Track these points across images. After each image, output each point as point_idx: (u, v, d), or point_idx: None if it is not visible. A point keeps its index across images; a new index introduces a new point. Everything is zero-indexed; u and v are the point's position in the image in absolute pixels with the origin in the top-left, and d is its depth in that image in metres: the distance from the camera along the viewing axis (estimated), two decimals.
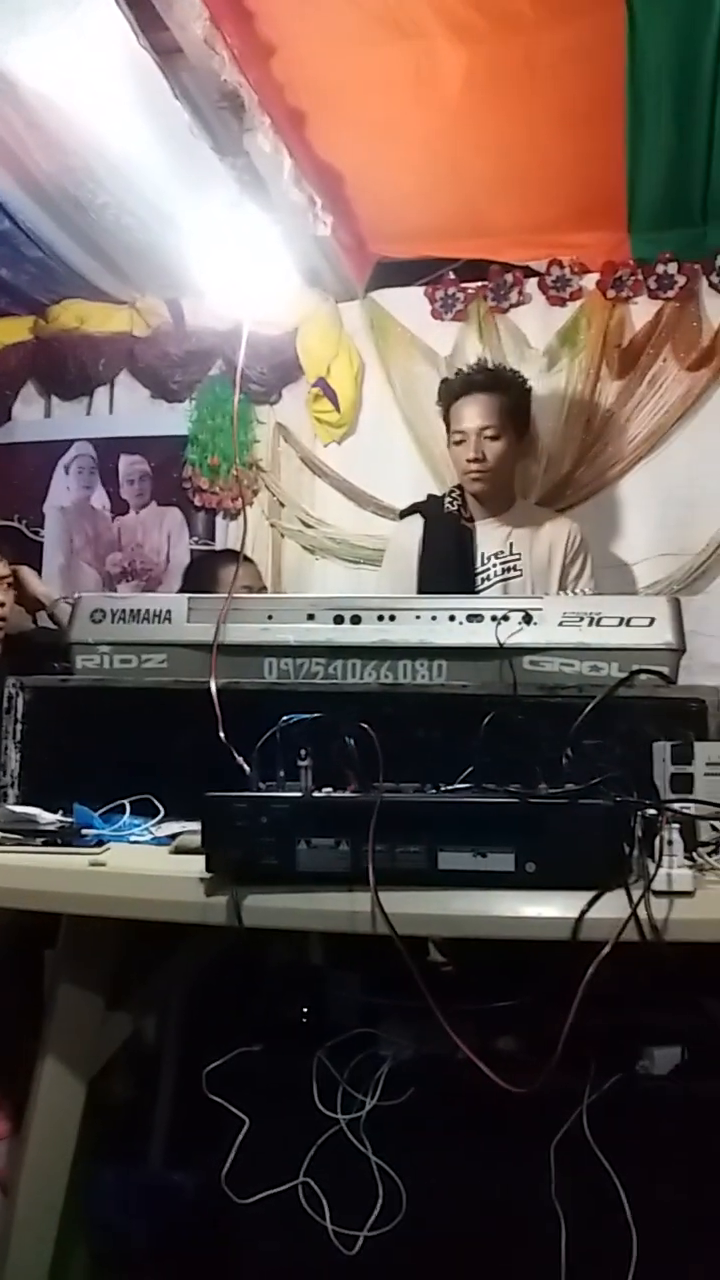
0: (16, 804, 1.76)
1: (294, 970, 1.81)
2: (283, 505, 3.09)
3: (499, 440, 2.62)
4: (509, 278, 3.02)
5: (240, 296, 2.57)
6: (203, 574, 2.72)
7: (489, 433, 2.60)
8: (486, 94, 2.24)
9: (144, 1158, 2.17)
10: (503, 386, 2.65)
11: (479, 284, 3.06)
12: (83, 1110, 1.60)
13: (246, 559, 2.89)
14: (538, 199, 2.67)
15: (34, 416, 3.25)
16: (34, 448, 3.22)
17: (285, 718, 1.53)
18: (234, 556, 2.89)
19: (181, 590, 2.78)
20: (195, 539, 3.11)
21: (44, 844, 1.59)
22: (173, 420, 3.11)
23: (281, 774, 1.52)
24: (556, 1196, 1.44)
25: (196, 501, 3.10)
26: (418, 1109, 1.53)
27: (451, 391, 2.66)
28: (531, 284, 3.03)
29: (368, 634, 1.75)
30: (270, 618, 1.83)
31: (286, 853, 1.33)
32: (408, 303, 3.08)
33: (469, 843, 1.26)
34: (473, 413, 2.60)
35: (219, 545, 3.09)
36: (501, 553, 2.65)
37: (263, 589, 2.79)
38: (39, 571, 3.09)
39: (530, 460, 2.93)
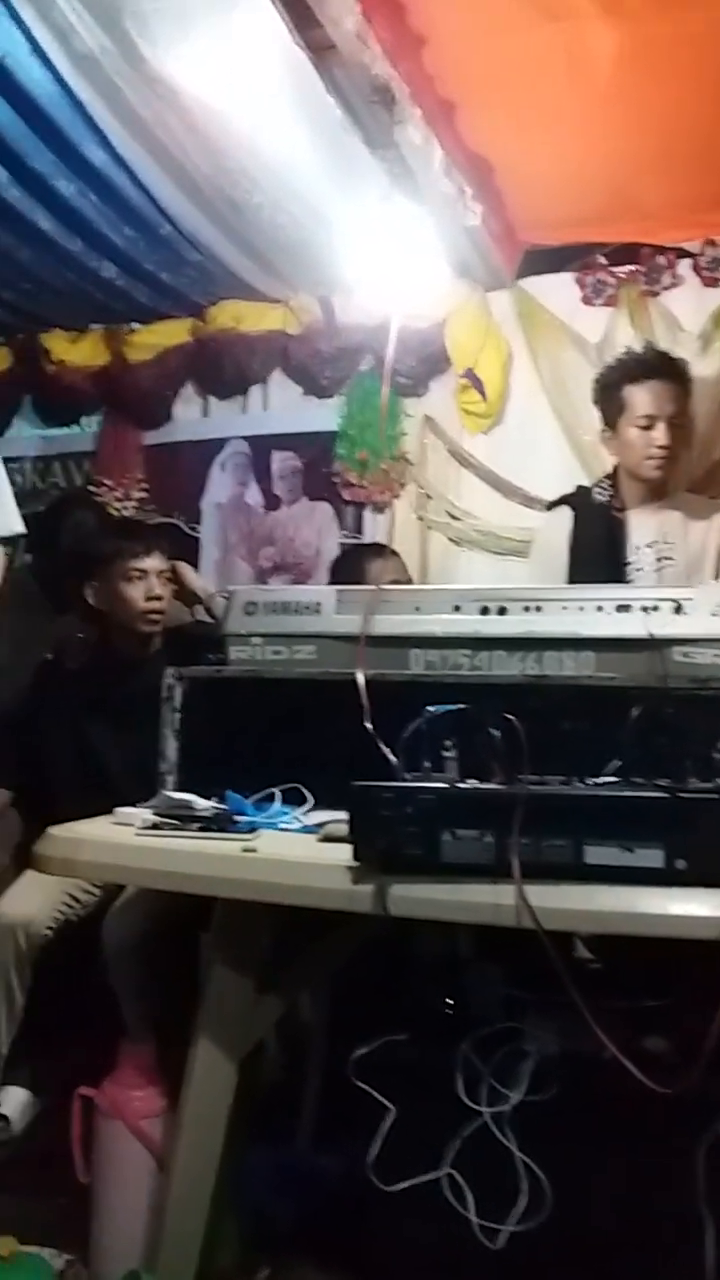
0: (174, 790, 1.82)
1: (438, 960, 1.81)
2: (429, 498, 3.09)
3: (683, 427, 2.57)
4: (661, 260, 2.94)
5: (390, 290, 2.58)
6: (349, 567, 2.74)
7: (675, 419, 2.54)
8: (638, 73, 2.19)
9: (292, 1140, 2.22)
10: (679, 372, 2.58)
11: (630, 268, 2.99)
12: (234, 1090, 1.64)
13: (392, 552, 2.90)
14: (691, 178, 2.59)
15: (192, 416, 3.34)
16: (192, 446, 3.32)
17: (431, 708, 1.54)
18: (380, 549, 2.91)
19: (330, 583, 2.81)
20: (344, 533, 3.14)
21: (199, 829, 1.64)
22: (323, 416, 3.15)
23: (427, 765, 1.52)
24: (704, 1201, 1.40)
25: (345, 496, 3.13)
26: (563, 1106, 1.51)
27: (626, 375, 2.59)
28: (685, 265, 2.95)
29: (514, 625, 1.73)
30: (417, 609, 1.84)
31: (431, 843, 1.34)
32: (557, 290, 3.03)
33: (616, 837, 1.24)
34: (655, 399, 2.52)
35: (367, 538, 3.12)
36: (655, 542, 2.58)
37: (408, 581, 2.80)
38: (195, 566, 3.17)
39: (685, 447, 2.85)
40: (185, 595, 2.74)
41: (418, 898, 1.35)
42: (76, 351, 3.39)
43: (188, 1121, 1.64)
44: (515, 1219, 1.49)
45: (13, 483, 3.45)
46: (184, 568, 2.72)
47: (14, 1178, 2.25)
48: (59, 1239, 1.92)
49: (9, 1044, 2.26)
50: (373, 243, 2.51)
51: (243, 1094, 1.67)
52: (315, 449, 3.18)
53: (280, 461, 3.23)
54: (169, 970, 2.24)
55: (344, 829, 1.43)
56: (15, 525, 1.75)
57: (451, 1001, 1.73)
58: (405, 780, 1.48)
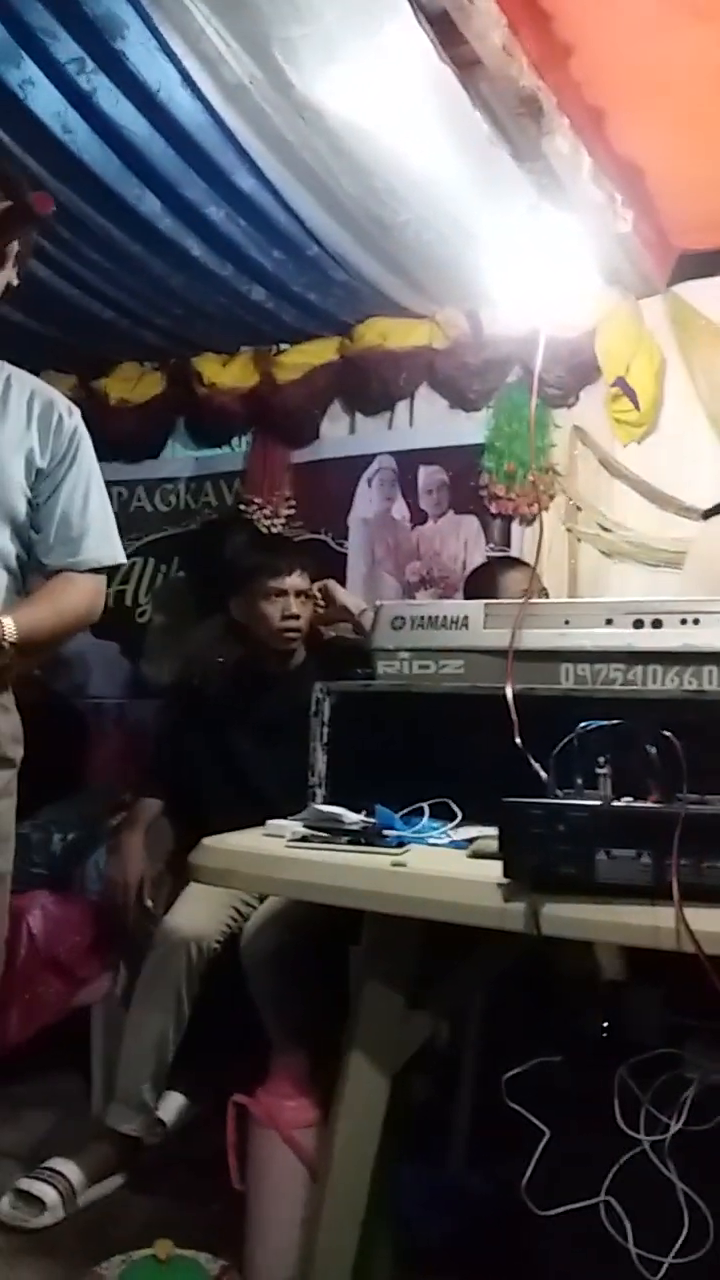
0: (324, 804, 1.84)
1: (593, 982, 1.77)
2: (579, 509, 3.04)
3: None
4: None
5: (538, 301, 2.56)
6: (481, 581, 2.72)
7: None
8: None
9: (444, 1159, 2.20)
10: None
11: None
12: (385, 1106, 1.64)
13: (522, 563, 2.87)
14: None
15: (339, 433, 3.38)
16: (339, 463, 3.35)
17: (583, 724, 1.51)
18: (514, 562, 2.88)
19: (464, 598, 2.80)
20: (491, 545, 3.12)
21: (348, 843, 1.65)
22: (470, 429, 3.14)
23: (580, 782, 1.49)
24: None
25: (493, 509, 3.11)
26: None
27: None
28: None
29: (669, 638, 1.69)
30: (567, 623, 1.81)
31: (585, 862, 1.31)
32: (713, 295, 2.94)
33: None
34: None
35: (514, 551, 3.09)
36: None
37: (544, 594, 2.76)
38: (342, 582, 3.20)
39: None
40: (335, 612, 2.76)
41: (571, 918, 1.32)
42: (227, 374, 3.46)
43: (340, 1134, 1.64)
44: (676, 1251, 1.44)
45: (166, 503, 3.62)
46: (333, 585, 2.75)
47: (170, 1182, 2.30)
48: (214, 1244, 1.95)
49: (174, 1054, 2.32)
50: (520, 254, 2.49)
51: (394, 1110, 1.66)
52: (462, 462, 3.17)
53: (427, 476, 3.23)
54: (310, 982, 2.26)
55: (494, 845, 1.41)
56: (119, 555, 1.81)
57: (607, 1024, 1.69)
58: (558, 797, 1.46)
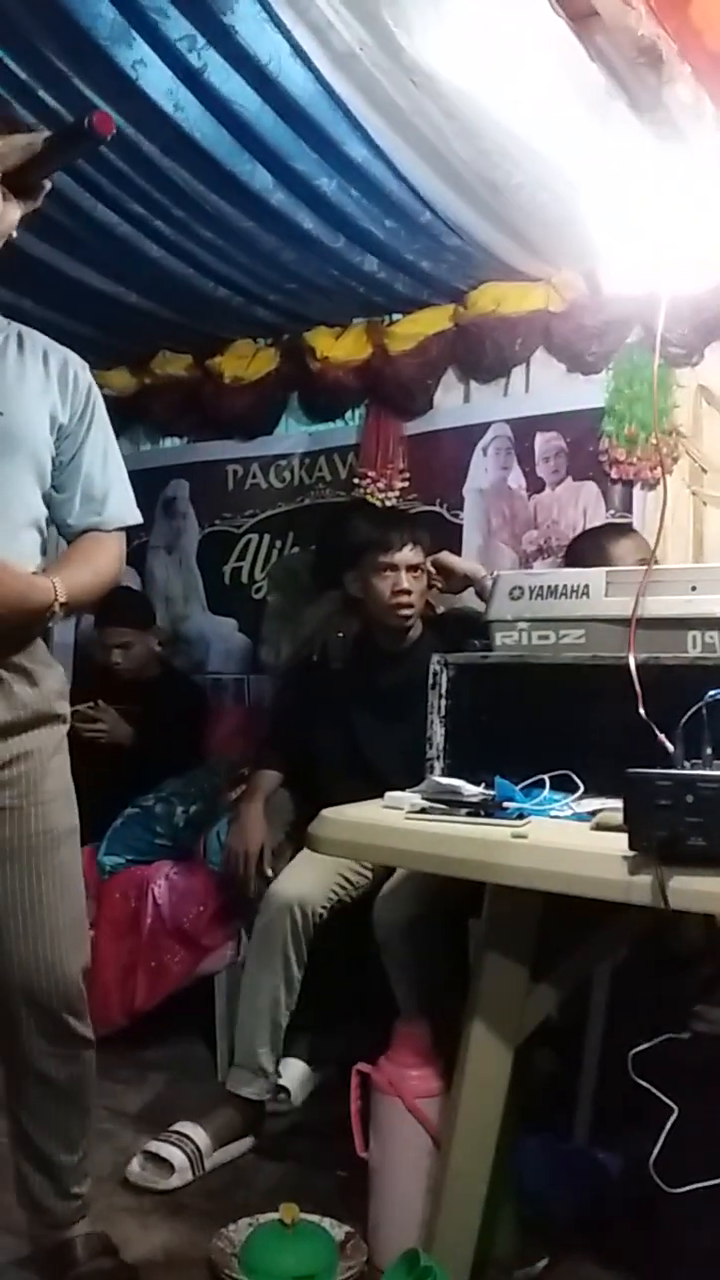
0: (442, 776, 1.83)
1: None
2: (705, 471, 2.95)
3: None
4: None
5: (659, 258, 2.48)
6: (586, 549, 2.64)
7: None
8: None
9: (569, 1133, 2.19)
10: None
11: None
12: (509, 1078, 1.63)
13: (631, 529, 2.79)
14: None
15: (454, 403, 3.33)
16: (454, 433, 3.31)
17: (712, 693, 1.47)
18: (623, 528, 2.80)
19: (565, 566, 2.73)
20: (612, 512, 3.04)
21: (468, 814, 1.64)
22: (589, 393, 3.06)
23: (709, 752, 1.46)
24: None
25: (613, 474, 3.03)
26: None
27: None
28: None
29: None
30: (694, 589, 1.76)
31: (715, 834, 1.28)
32: None
33: None
34: None
35: (635, 517, 3.01)
36: None
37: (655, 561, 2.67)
38: (458, 554, 3.17)
39: None
40: (456, 582, 2.73)
41: (701, 891, 1.29)
42: (340, 347, 3.45)
43: (463, 1105, 1.64)
44: None
45: (280, 480, 3.64)
46: (446, 556, 2.71)
47: (294, 1148, 2.34)
48: (339, 1210, 1.98)
49: (288, 1017, 2.35)
50: (640, 210, 2.41)
51: (518, 1082, 1.66)
52: (580, 428, 3.10)
53: (544, 443, 3.17)
54: (439, 953, 2.26)
55: (618, 818, 1.39)
56: (138, 515, 1.79)
57: None
58: (685, 768, 1.42)
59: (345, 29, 2.06)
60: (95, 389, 1.71)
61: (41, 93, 2.25)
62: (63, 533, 1.71)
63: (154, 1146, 2.22)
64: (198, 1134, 2.25)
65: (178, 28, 2.06)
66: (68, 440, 1.66)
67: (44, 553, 1.69)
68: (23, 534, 1.60)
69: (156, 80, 2.19)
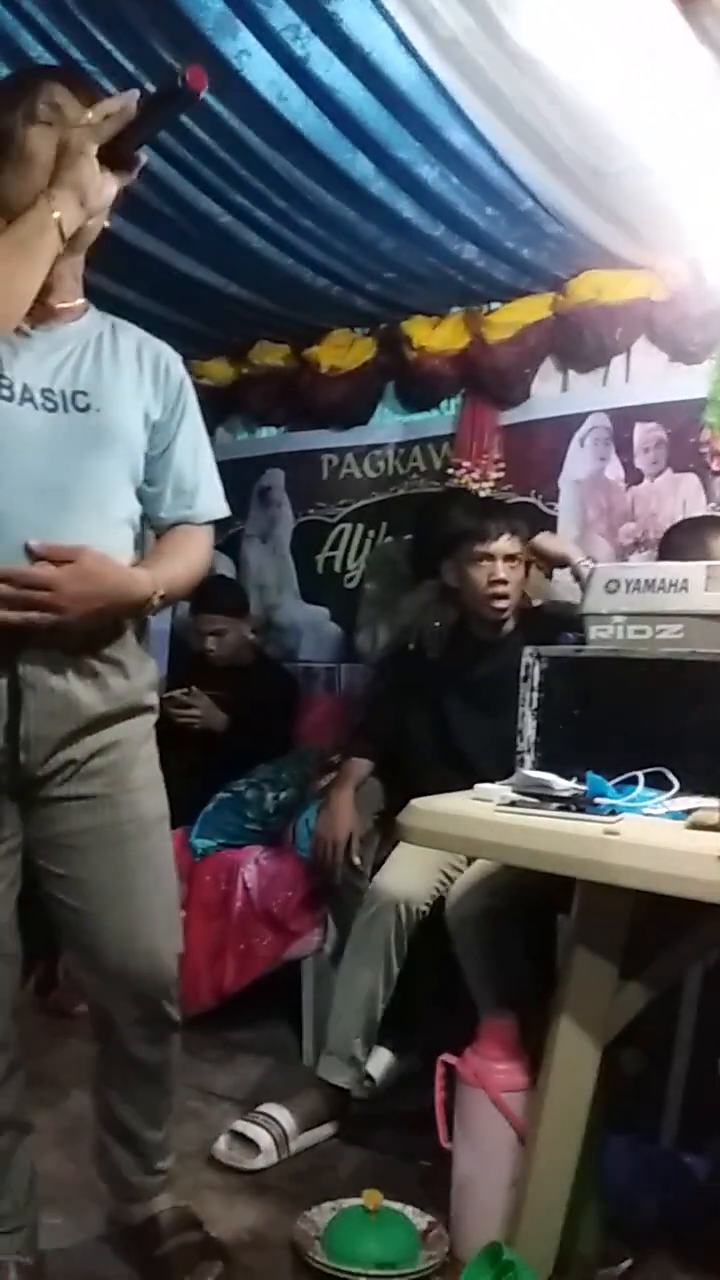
0: (533, 770, 1.82)
1: None
2: None
3: None
4: None
5: None
6: (682, 542, 2.57)
7: None
8: None
9: (656, 1134, 2.16)
10: None
11: None
12: (596, 1076, 1.62)
13: None
14: None
15: (551, 392, 3.29)
16: (551, 423, 3.27)
17: None
18: (716, 521, 2.73)
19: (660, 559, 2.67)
20: (713, 505, 2.97)
21: (559, 809, 1.63)
22: (690, 384, 2.99)
23: None
24: None
25: (715, 465, 2.96)
26: None
27: None
28: None
29: None
30: None
31: None
32: None
33: None
34: None
35: None
36: None
37: None
38: None
39: None
40: (550, 562, 2.70)
41: None
42: (437, 336, 3.43)
43: (549, 1101, 1.63)
44: None
45: (375, 469, 3.64)
46: (541, 539, 2.68)
47: (378, 1136, 2.35)
48: (421, 1199, 1.98)
49: (383, 1011, 2.36)
50: None
51: (605, 1081, 1.64)
52: (681, 418, 3.03)
53: (643, 433, 3.11)
54: (515, 947, 2.25)
55: (714, 817, 1.36)
56: (226, 508, 1.78)
57: None
58: None
59: (449, 15, 2.04)
60: (187, 381, 1.71)
61: (148, 85, 2.26)
62: (153, 525, 1.72)
63: (241, 1126, 2.25)
64: (284, 1117, 2.27)
65: (282, 17, 2.07)
66: (160, 434, 1.66)
67: (137, 547, 1.71)
68: (120, 529, 1.61)
69: (261, 70, 2.20)
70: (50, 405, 1.53)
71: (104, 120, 1.45)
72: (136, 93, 1.49)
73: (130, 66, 2.23)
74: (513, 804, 1.67)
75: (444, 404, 3.55)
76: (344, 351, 3.62)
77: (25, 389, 1.51)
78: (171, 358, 1.70)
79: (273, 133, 2.39)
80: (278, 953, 2.78)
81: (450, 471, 3.43)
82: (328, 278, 3.16)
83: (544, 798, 1.67)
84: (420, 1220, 1.91)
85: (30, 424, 1.51)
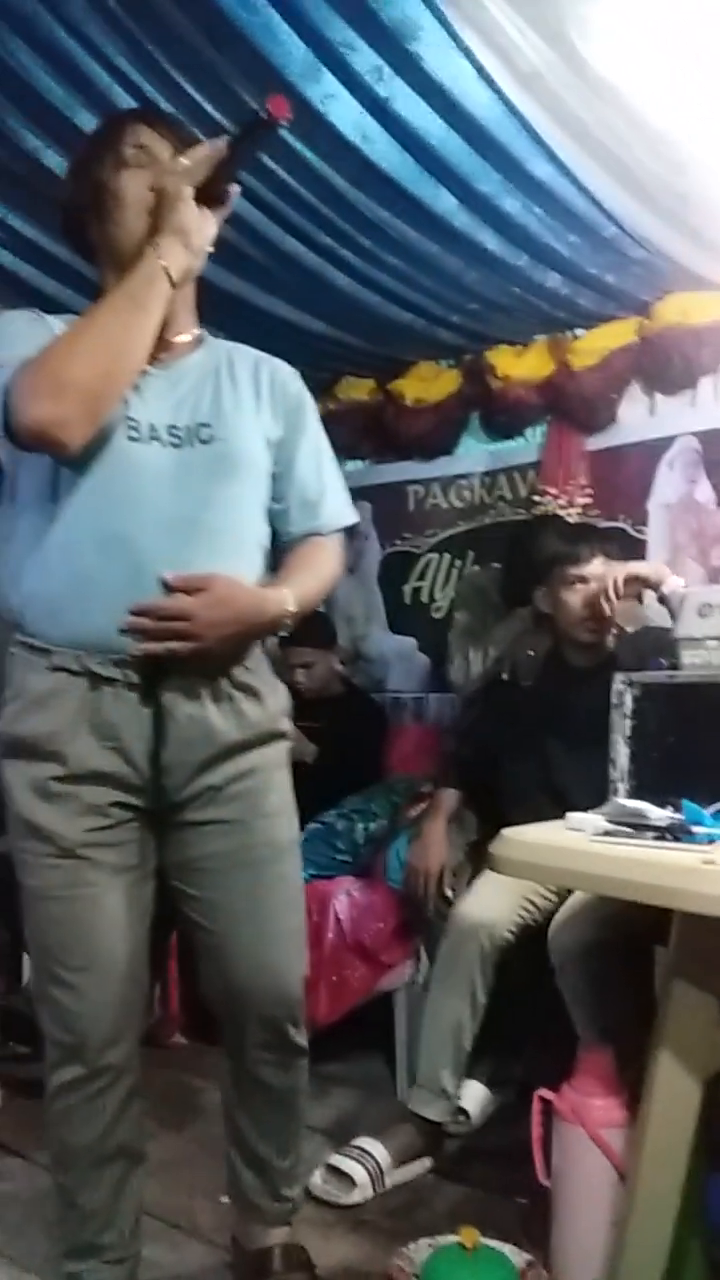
0: (627, 798, 1.79)
1: None
2: None
3: None
4: None
5: None
6: None
7: None
8: None
9: None
10: None
11: None
12: (699, 1112, 1.58)
13: None
14: None
15: (638, 416, 3.26)
16: (638, 447, 3.24)
17: None
18: None
19: None
20: None
21: (654, 839, 1.60)
22: None
23: None
24: None
25: None
26: None
27: None
28: None
29: None
30: None
31: None
32: None
33: None
34: None
35: None
36: None
37: None
38: None
39: None
40: (632, 587, 2.63)
41: None
42: (521, 364, 3.44)
43: (649, 1139, 1.60)
44: None
45: (461, 499, 3.65)
46: (631, 565, 2.60)
47: (473, 1171, 2.32)
48: (519, 1237, 1.95)
49: (471, 1041, 2.33)
50: None
51: (708, 1117, 1.60)
52: None
53: None
54: (618, 980, 2.21)
55: None
56: (354, 515, 1.79)
57: None
58: None
59: (530, 49, 2.06)
60: (306, 395, 1.74)
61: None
62: (283, 540, 1.73)
63: (336, 1160, 2.24)
64: (378, 1151, 2.26)
65: (365, 60, 2.12)
66: (282, 451, 1.70)
67: (272, 570, 1.73)
68: (252, 553, 1.65)
69: (344, 113, 2.25)
70: (175, 441, 1.58)
71: (197, 163, 1.51)
72: (224, 139, 1.54)
73: (218, 115, 2.29)
74: (607, 834, 1.64)
75: (529, 432, 3.55)
76: (428, 384, 3.65)
77: (152, 428, 1.57)
78: (289, 374, 1.74)
79: (357, 172, 2.43)
80: (370, 985, 2.78)
81: (537, 499, 3.42)
82: (412, 312, 3.19)
83: (639, 827, 1.64)
84: (519, 1259, 1.88)
85: (158, 461, 1.56)
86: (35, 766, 1.54)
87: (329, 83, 2.18)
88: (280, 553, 1.73)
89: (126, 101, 2.29)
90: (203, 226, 1.53)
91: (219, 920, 1.64)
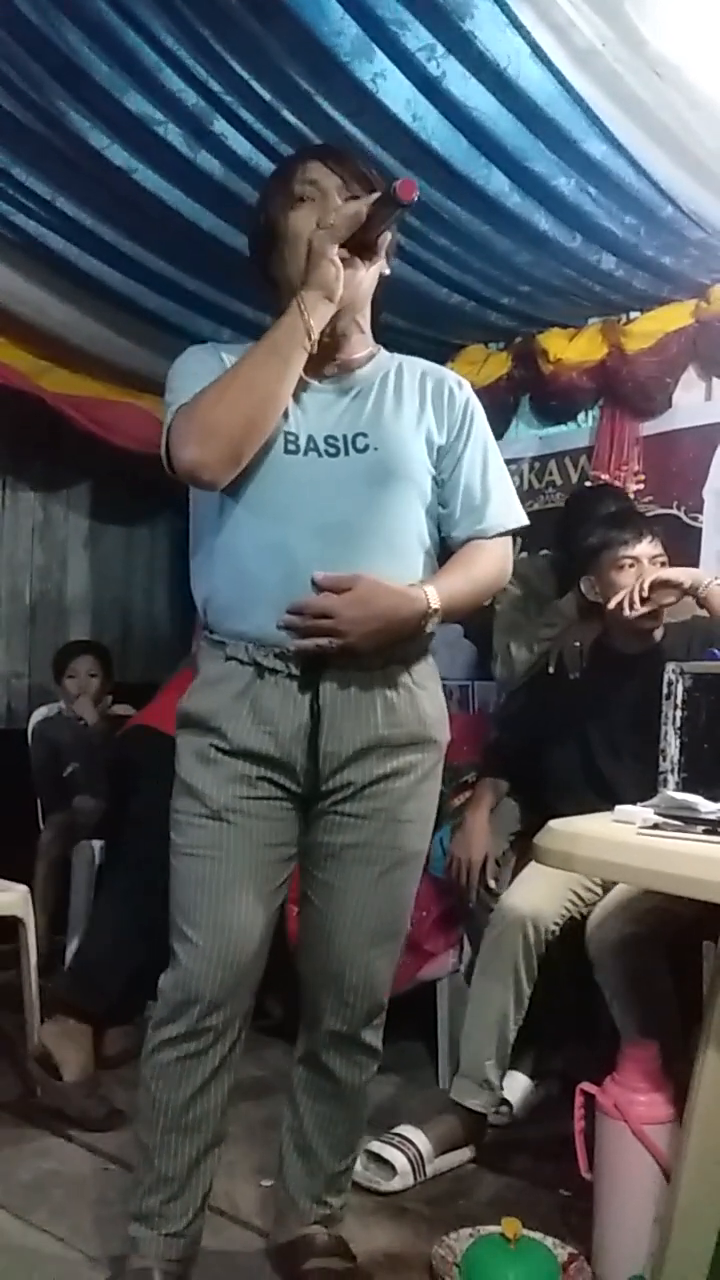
0: (677, 790, 1.76)
1: None
2: None
3: None
4: None
5: None
6: None
7: None
8: None
9: None
10: None
11: None
12: None
13: None
14: None
15: (694, 401, 3.21)
16: (693, 432, 3.18)
17: None
18: None
19: None
20: None
21: (705, 832, 1.57)
22: None
23: None
24: None
25: None
26: None
27: None
28: None
29: None
30: None
31: None
32: None
33: None
34: None
35: None
36: None
37: None
38: (696, 559, 3.05)
39: None
40: (662, 594, 2.53)
41: None
42: (573, 348, 3.39)
43: (695, 1136, 1.57)
44: None
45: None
46: (663, 571, 2.50)
47: (515, 1162, 2.31)
48: (560, 1230, 1.94)
49: (515, 1032, 2.32)
50: None
51: None
52: None
53: None
54: (658, 974, 2.18)
55: None
56: (523, 518, 1.81)
57: None
58: None
59: (587, 26, 2.03)
60: (473, 402, 1.80)
61: (285, 112, 2.33)
62: (449, 543, 1.79)
63: (377, 1147, 2.24)
64: (420, 1139, 2.25)
65: (418, 38, 2.09)
66: (447, 457, 1.75)
67: (430, 571, 1.76)
68: (407, 555, 1.70)
69: (395, 92, 2.23)
70: (332, 451, 1.66)
71: (340, 223, 1.59)
72: (372, 196, 1.60)
73: (267, 95, 2.28)
74: (655, 826, 1.62)
75: (581, 416, 3.50)
76: (478, 367, 3.60)
77: (310, 440, 1.66)
78: (455, 382, 1.80)
79: (408, 152, 2.40)
80: (413, 973, 2.76)
81: (588, 485, 3.38)
82: (462, 294, 3.16)
83: (688, 820, 1.61)
84: (561, 1252, 1.86)
85: (313, 471, 1.65)
86: (200, 737, 1.67)
87: (380, 61, 2.16)
88: (448, 556, 1.79)
89: (175, 83, 2.28)
90: (347, 279, 1.62)
91: (331, 903, 1.72)
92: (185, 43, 2.18)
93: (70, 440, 4.09)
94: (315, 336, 1.61)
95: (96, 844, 3.38)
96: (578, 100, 2.22)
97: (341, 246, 1.59)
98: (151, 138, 2.46)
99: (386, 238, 1.67)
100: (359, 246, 1.62)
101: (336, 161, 1.69)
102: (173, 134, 2.46)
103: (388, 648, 1.65)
